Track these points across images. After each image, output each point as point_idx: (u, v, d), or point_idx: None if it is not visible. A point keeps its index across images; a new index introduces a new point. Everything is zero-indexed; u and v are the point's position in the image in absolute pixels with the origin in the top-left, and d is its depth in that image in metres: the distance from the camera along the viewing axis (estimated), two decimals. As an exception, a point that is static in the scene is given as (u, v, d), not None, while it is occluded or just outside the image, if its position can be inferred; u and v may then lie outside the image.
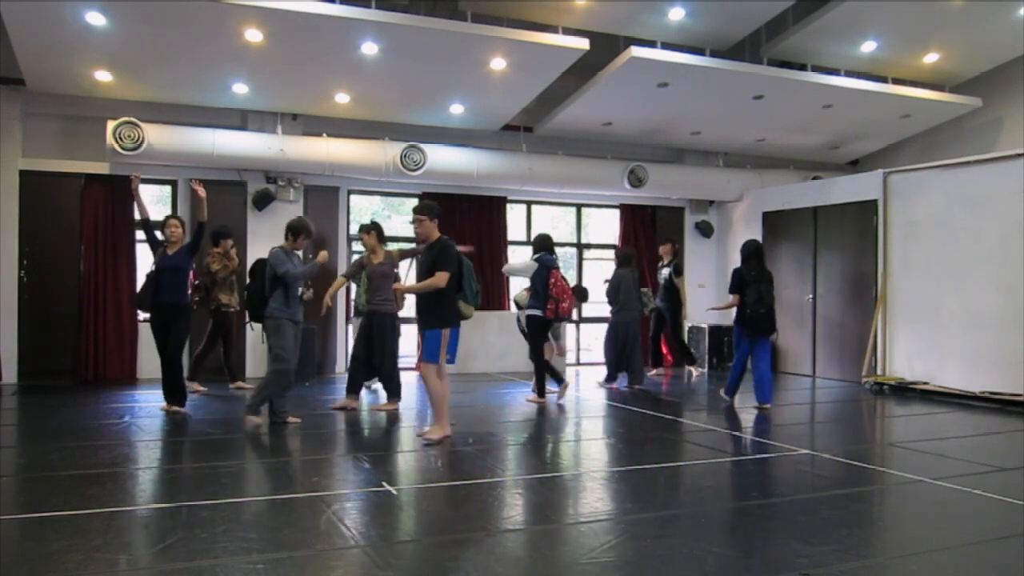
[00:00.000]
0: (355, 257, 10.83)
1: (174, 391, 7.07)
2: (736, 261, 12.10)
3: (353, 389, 7.65)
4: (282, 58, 8.50)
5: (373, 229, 7.60)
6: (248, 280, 8.37)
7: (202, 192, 6.92)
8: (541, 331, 8.22)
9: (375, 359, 7.53)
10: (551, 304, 8.01)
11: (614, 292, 9.43)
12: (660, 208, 12.32)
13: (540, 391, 8.18)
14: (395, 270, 7.62)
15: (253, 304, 6.80)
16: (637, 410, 7.77)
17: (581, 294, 9.86)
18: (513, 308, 9.51)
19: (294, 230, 6.62)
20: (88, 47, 8.04)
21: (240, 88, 9.20)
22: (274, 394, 6.56)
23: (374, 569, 3.40)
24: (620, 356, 9.46)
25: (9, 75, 8.84)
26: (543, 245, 8.36)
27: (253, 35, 7.89)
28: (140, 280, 9.50)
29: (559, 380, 8.55)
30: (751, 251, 7.96)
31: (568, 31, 8.99)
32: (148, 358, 9.57)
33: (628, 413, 7.65)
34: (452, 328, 6.01)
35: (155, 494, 4.66)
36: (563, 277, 8.33)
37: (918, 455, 5.91)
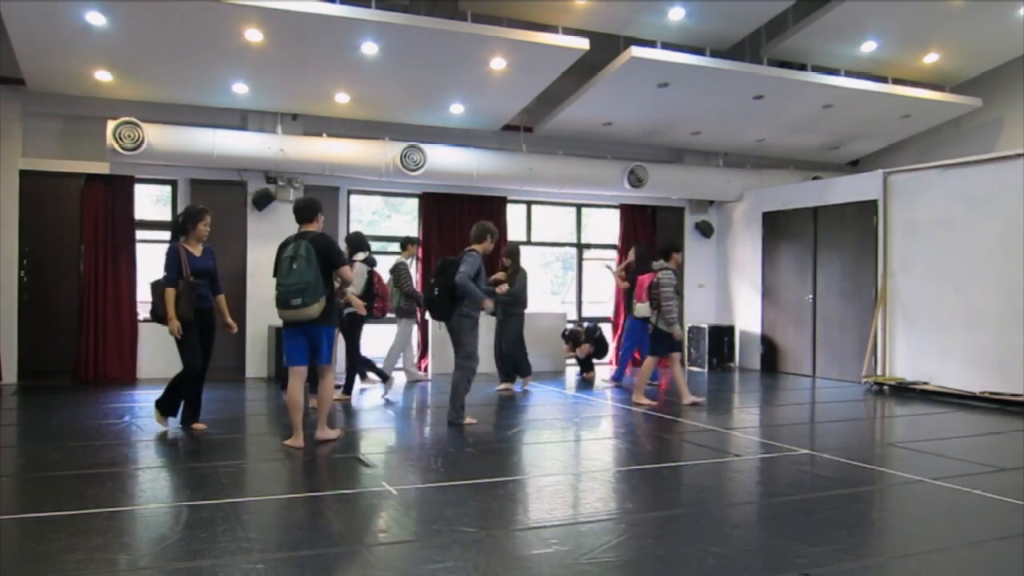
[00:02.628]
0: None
1: (198, 407, 6.48)
2: (737, 261, 12.23)
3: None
4: (282, 58, 8.50)
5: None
6: (432, 279, 7.58)
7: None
8: (358, 328, 8.06)
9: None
10: (379, 303, 7.92)
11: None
12: (660, 208, 12.32)
13: (348, 388, 8.13)
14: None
15: (443, 304, 6.66)
16: (637, 410, 7.77)
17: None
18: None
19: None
20: (88, 47, 8.04)
21: (240, 88, 9.20)
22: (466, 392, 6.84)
23: (374, 569, 3.40)
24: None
25: (9, 75, 8.84)
26: (361, 245, 8.24)
27: (253, 35, 7.89)
28: (142, 284, 9.54)
29: (384, 377, 8.34)
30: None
31: (568, 31, 8.98)
32: (148, 358, 9.59)
33: (628, 413, 7.65)
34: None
35: (155, 494, 4.66)
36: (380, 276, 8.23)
37: (918, 455, 5.91)
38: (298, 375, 5.75)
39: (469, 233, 7.02)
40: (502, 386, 9.01)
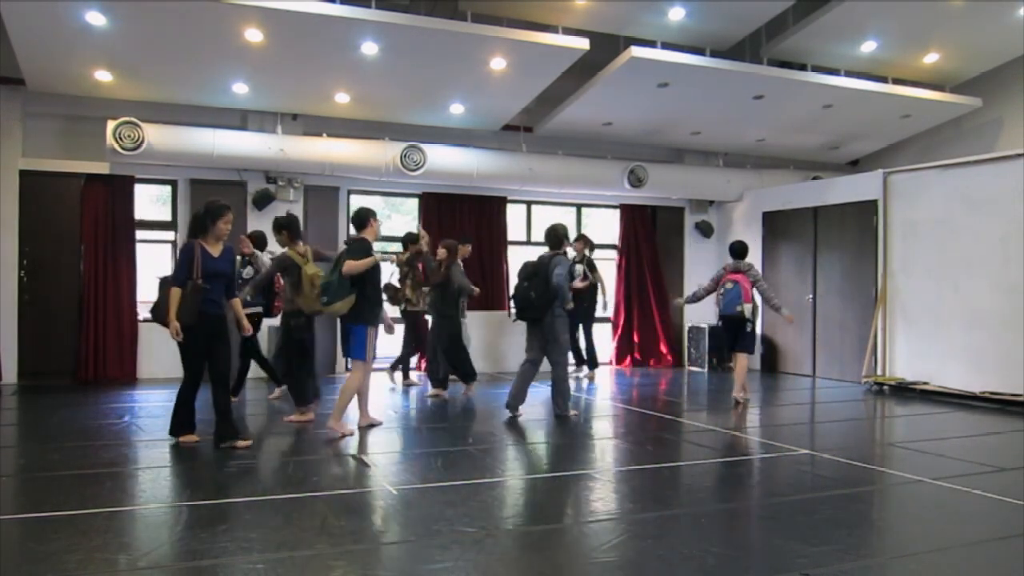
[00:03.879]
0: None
1: (229, 419, 5.85)
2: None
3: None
4: (282, 58, 8.50)
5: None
6: (525, 282, 7.53)
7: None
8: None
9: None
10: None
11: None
12: (660, 208, 12.33)
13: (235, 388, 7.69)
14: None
15: (541, 305, 7.01)
16: (637, 410, 7.77)
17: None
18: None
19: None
20: (88, 47, 8.04)
21: (240, 88, 9.20)
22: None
23: (374, 569, 3.40)
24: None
25: (9, 75, 8.84)
26: (264, 244, 8.15)
27: (253, 35, 7.89)
28: (142, 284, 9.55)
29: (277, 382, 8.15)
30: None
31: (568, 31, 8.98)
32: (148, 358, 9.60)
33: (628, 413, 7.65)
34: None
35: (155, 494, 4.65)
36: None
37: (918, 455, 5.91)
38: (352, 366, 6.47)
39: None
40: (432, 391, 8.41)
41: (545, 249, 7.31)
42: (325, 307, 6.18)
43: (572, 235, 10.40)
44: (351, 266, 6.06)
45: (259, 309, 7.83)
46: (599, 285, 10.18)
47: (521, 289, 7.13)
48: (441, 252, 8.41)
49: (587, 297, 9.87)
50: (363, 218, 6.39)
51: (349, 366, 7.65)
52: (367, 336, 6.31)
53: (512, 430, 6.83)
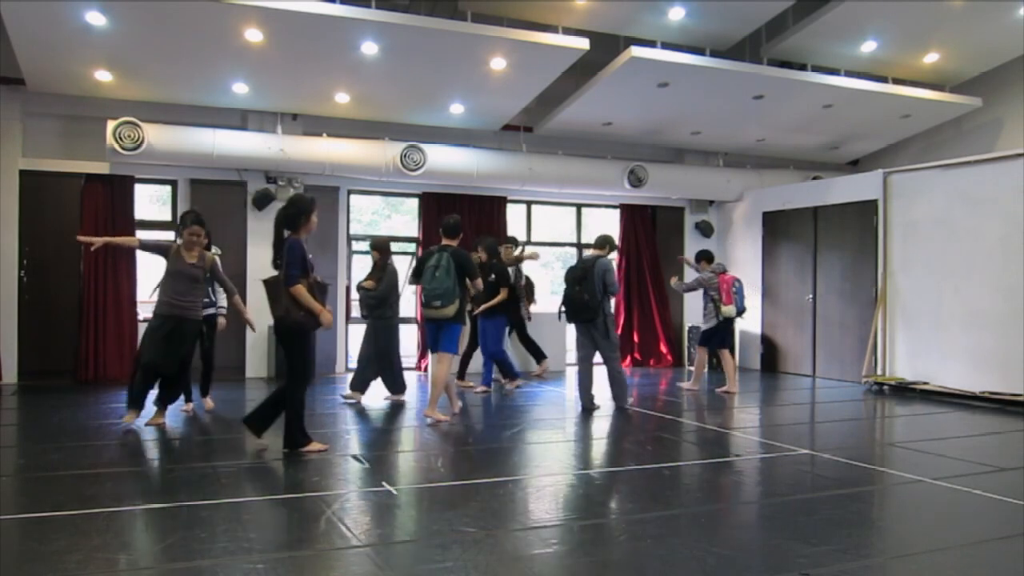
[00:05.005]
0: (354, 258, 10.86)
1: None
2: (737, 261, 12.23)
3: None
4: (282, 58, 8.50)
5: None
6: (578, 288, 7.71)
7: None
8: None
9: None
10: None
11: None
12: (660, 208, 12.33)
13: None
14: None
15: (593, 306, 7.38)
16: (637, 410, 7.77)
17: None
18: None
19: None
20: (88, 47, 8.04)
21: (240, 88, 9.20)
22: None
23: (374, 569, 3.40)
24: None
25: (9, 75, 8.84)
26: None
27: (253, 35, 7.89)
28: (142, 284, 9.55)
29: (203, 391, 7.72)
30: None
31: (568, 31, 8.98)
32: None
33: (628, 413, 7.65)
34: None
35: (155, 494, 4.66)
36: None
37: (918, 455, 5.91)
38: (439, 359, 6.97)
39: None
40: (349, 393, 8.02)
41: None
42: (438, 310, 6.78)
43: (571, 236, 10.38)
44: (480, 284, 7.12)
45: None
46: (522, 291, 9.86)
47: (574, 293, 7.50)
48: (375, 255, 8.04)
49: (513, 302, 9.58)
50: (459, 228, 7.09)
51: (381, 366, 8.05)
52: (459, 334, 7.09)
53: (512, 430, 6.84)
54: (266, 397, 5.78)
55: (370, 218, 11.86)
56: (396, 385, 8.10)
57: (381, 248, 8.01)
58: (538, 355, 9.67)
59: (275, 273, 5.54)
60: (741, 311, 9.14)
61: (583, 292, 7.42)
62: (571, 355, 11.82)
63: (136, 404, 6.48)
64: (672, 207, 12.44)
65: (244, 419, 5.79)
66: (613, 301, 7.78)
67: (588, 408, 7.68)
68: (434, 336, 7.00)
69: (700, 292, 9.27)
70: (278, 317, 5.45)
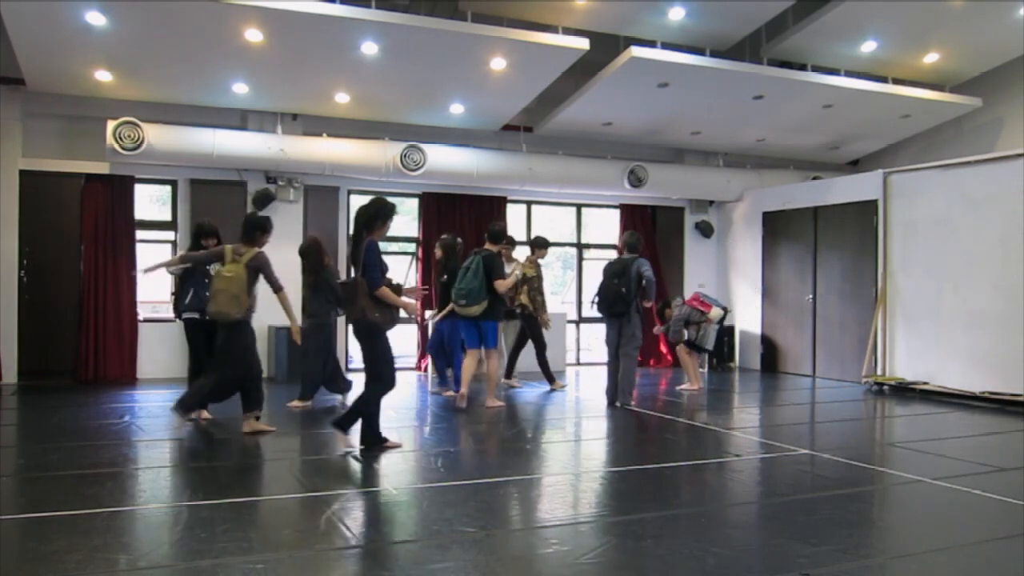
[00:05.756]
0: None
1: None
2: (737, 261, 12.24)
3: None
4: (282, 58, 8.50)
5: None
6: (616, 281, 7.90)
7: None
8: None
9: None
10: None
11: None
12: (660, 208, 12.33)
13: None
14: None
15: (629, 302, 7.68)
16: (637, 410, 7.77)
17: None
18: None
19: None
20: (88, 47, 8.04)
21: (240, 88, 9.20)
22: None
23: (374, 569, 3.40)
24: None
25: (9, 75, 8.84)
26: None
27: (253, 35, 7.89)
28: (142, 284, 9.58)
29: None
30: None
31: (568, 31, 8.98)
32: (148, 358, 9.61)
33: (628, 413, 7.65)
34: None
35: (155, 494, 4.65)
36: None
37: (918, 455, 5.91)
38: (472, 355, 7.71)
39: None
40: (296, 403, 7.63)
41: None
42: (464, 308, 7.38)
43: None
44: (504, 285, 7.53)
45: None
46: None
47: (612, 286, 7.77)
48: (328, 259, 7.85)
49: None
50: (502, 234, 7.86)
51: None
52: (499, 330, 7.79)
53: (511, 430, 6.84)
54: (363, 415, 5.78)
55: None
56: (339, 385, 7.84)
57: (312, 248, 7.63)
58: (551, 379, 9.25)
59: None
60: (724, 308, 9.40)
61: (621, 285, 7.70)
62: (571, 355, 11.88)
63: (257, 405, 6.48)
64: (672, 207, 12.44)
65: (333, 421, 5.79)
66: (648, 304, 7.91)
67: (613, 403, 7.93)
68: (474, 334, 7.65)
69: (686, 316, 9.40)
70: (355, 319, 5.51)
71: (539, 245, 9.25)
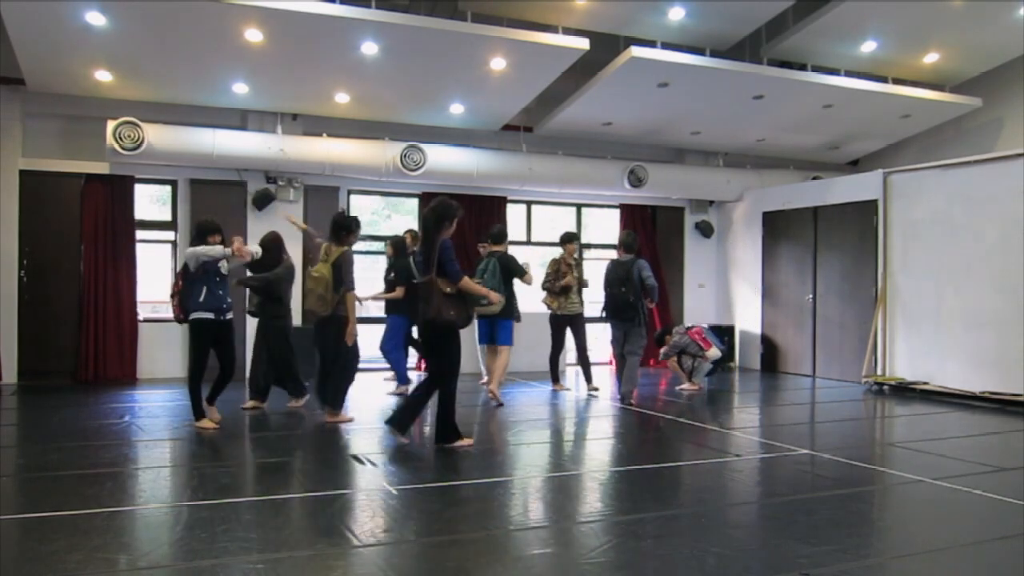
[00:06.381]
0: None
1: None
2: (737, 261, 12.23)
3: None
4: (282, 58, 8.50)
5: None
6: (623, 289, 8.02)
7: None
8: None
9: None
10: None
11: None
12: (660, 208, 12.33)
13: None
14: None
15: (638, 305, 7.84)
16: (636, 410, 7.77)
17: None
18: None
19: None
20: (88, 47, 8.04)
21: (240, 88, 9.20)
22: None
23: (374, 569, 3.40)
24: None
25: (9, 75, 8.84)
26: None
27: (253, 35, 7.89)
28: (142, 284, 9.58)
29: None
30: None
31: (568, 31, 8.98)
32: (148, 358, 9.61)
33: (628, 413, 7.65)
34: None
35: (155, 494, 4.65)
36: None
37: (918, 455, 5.91)
38: (488, 350, 8.22)
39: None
40: (249, 404, 7.45)
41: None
42: (484, 309, 6.94)
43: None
44: (529, 279, 7.97)
45: None
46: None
47: (620, 295, 7.89)
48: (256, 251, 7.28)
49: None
50: (504, 235, 8.06)
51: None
52: (512, 327, 8.07)
53: (512, 430, 6.83)
54: (406, 399, 5.96)
55: (370, 218, 11.84)
56: (298, 390, 7.50)
57: (266, 247, 7.29)
58: (589, 377, 9.12)
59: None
60: (723, 350, 9.41)
61: (628, 293, 7.83)
62: (571, 355, 11.85)
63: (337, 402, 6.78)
64: (672, 207, 12.44)
65: (387, 420, 5.94)
66: (652, 304, 8.06)
67: (624, 397, 8.07)
68: (488, 331, 8.08)
69: (686, 343, 9.36)
70: (430, 318, 5.64)
71: (569, 239, 9.04)
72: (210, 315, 6.43)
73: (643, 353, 8.27)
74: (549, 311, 9.11)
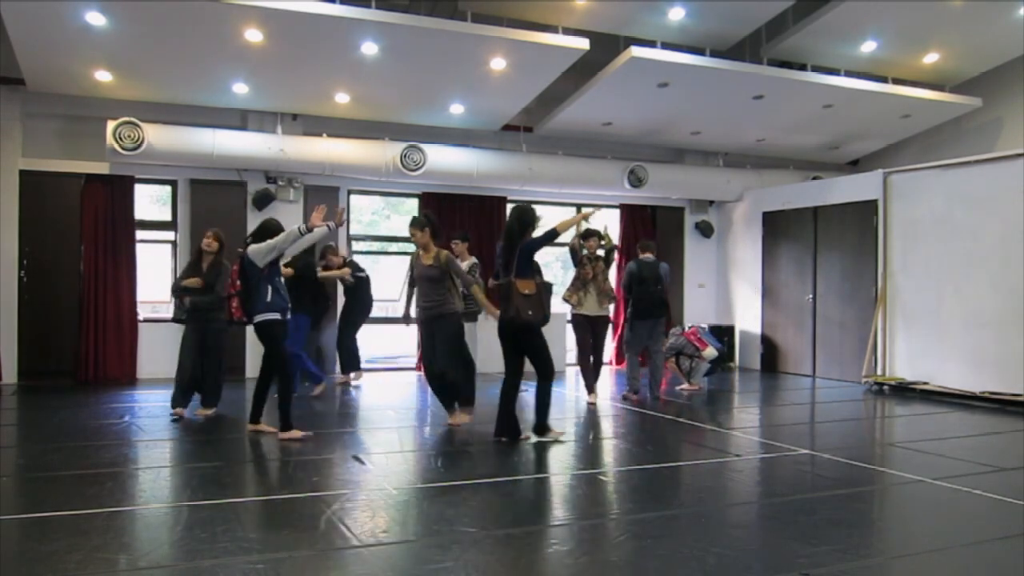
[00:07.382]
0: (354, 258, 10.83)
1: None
2: (737, 261, 12.23)
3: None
4: (282, 58, 8.50)
5: (427, 225, 6.82)
6: (659, 287, 8.38)
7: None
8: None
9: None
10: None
11: None
12: (660, 208, 12.33)
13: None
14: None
15: (665, 303, 8.31)
16: (636, 410, 7.77)
17: None
18: None
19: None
20: (88, 47, 8.04)
21: (240, 88, 9.20)
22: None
23: (374, 569, 3.40)
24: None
25: (9, 75, 8.84)
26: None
27: (253, 35, 7.89)
28: (142, 284, 9.57)
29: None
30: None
31: (568, 31, 8.98)
32: (148, 358, 9.60)
33: (628, 413, 7.65)
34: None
35: (155, 494, 4.65)
36: None
37: (918, 455, 5.91)
38: None
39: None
40: (201, 410, 7.16)
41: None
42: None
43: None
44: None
45: None
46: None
47: (657, 292, 8.24)
48: (212, 245, 7.18)
49: (357, 299, 9.25)
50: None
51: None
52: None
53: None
54: (502, 406, 6.10)
55: (370, 218, 11.86)
56: (215, 396, 7.18)
57: (217, 240, 7.07)
58: (592, 386, 8.61)
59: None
60: (720, 349, 9.36)
61: (663, 291, 8.27)
62: (571, 355, 11.85)
63: (450, 405, 6.79)
64: (672, 207, 12.43)
65: (496, 433, 6.11)
66: None
67: (634, 392, 8.31)
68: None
69: (686, 340, 9.30)
70: (509, 318, 5.90)
71: (588, 235, 8.37)
72: (277, 316, 6.12)
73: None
74: (571, 311, 8.31)
